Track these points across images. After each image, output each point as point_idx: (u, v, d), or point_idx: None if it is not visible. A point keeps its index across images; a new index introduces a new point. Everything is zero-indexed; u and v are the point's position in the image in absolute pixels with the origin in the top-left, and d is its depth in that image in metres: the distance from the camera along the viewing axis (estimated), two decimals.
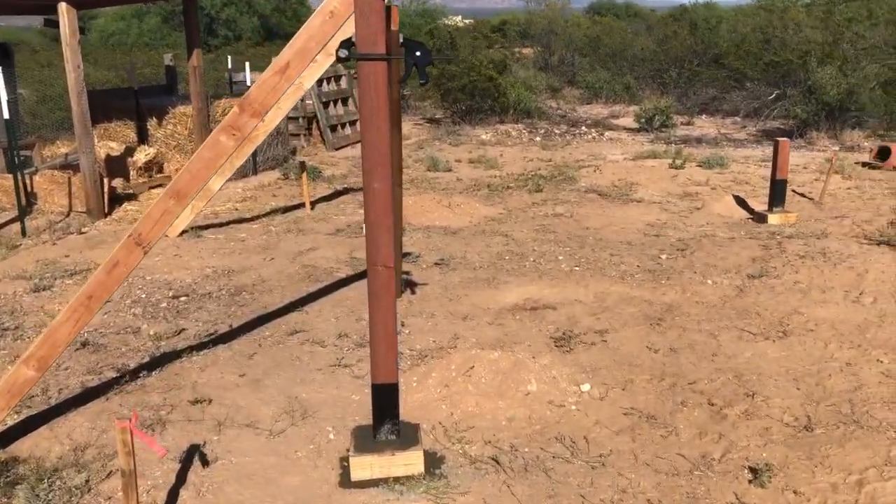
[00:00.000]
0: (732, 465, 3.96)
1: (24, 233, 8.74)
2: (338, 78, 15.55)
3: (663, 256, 7.48)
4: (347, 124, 15.41)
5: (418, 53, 3.76)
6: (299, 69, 3.67)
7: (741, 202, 9.74)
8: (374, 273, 3.72)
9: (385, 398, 3.91)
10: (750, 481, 3.80)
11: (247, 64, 13.05)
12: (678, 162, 12.29)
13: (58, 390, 4.78)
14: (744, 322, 5.81)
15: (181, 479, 3.85)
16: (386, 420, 3.94)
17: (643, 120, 16.99)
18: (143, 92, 12.63)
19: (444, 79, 17.80)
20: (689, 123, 18.05)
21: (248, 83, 12.51)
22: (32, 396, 4.67)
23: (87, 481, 3.78)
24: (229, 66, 13.81)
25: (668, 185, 11.02)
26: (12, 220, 9.07)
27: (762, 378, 4.90)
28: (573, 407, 4.60)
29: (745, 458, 4.01)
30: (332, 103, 15.06)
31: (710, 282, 6.69)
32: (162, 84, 14.40)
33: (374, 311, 3.78)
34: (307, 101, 14.54)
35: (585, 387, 4.81)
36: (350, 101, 15.72)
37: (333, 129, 15.02)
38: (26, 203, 9.89)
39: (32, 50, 29.77)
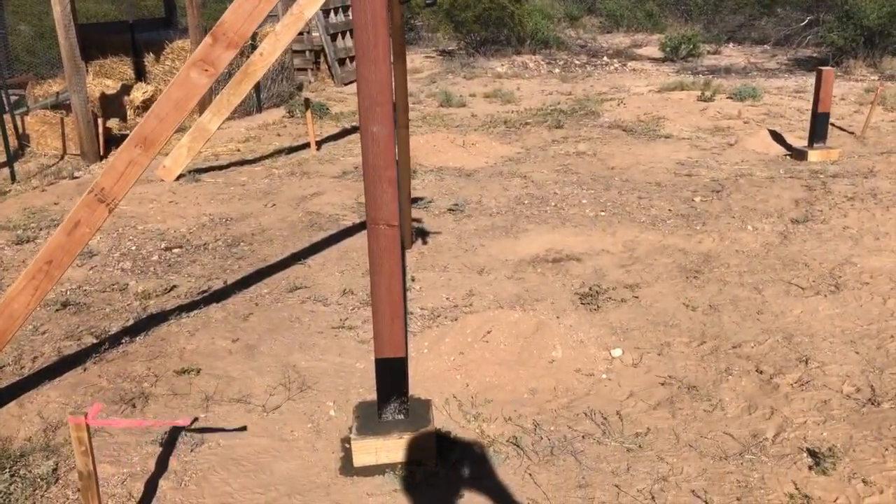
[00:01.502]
0: (789, 446, 3.46)
1: (13, 178, 8.24)
2: (346, 8, 14.74)
3: (697, 199, 6.87)
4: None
5: None
6: None
7: (777, 137, 9.05)
8: (376, 233, 3.18)
9: (390, 374, 3.41)
10: (810, 467, 3.30)
11: None
12: (707, 94, 11.56)
13: (32, 358, 4.32)
14: (790, 274, 5.25)
15: (162, 465, 3.40)
16: (392, 398, 3.45)
17: (668, 49, 16.13)
18: (140, 25, 11.96)
19: (456, 8, 16.91)
20: (716, 52, 17.14)
21: None
22: (3, 366, 4.22)
23: (54, 469, 3.34)
24: None
25: (698, 120, 10.33)
26: (2, 165, 8.56)
27: (815, 340, 4.37)
28: (604, 376, 4.10)
29: (802, 439, 3.50)
30: (339, 35, 14.30)
31: (750, 227, 6.11)
32: (160, 17, 13.67)
33: (376, 277, 3.25)
34: (314, 34, 13.80)
35: (617, 352, 4.30)
36: None
37: (342, 62, 14.30)
38: (18, 146, 9.38)
39: None
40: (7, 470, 3.31)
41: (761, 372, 4.07)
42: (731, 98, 11.47)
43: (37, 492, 3.21)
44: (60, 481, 3.29)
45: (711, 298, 4.93)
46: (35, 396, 3.93)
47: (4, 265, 5.70)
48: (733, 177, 7.54)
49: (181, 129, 8.90)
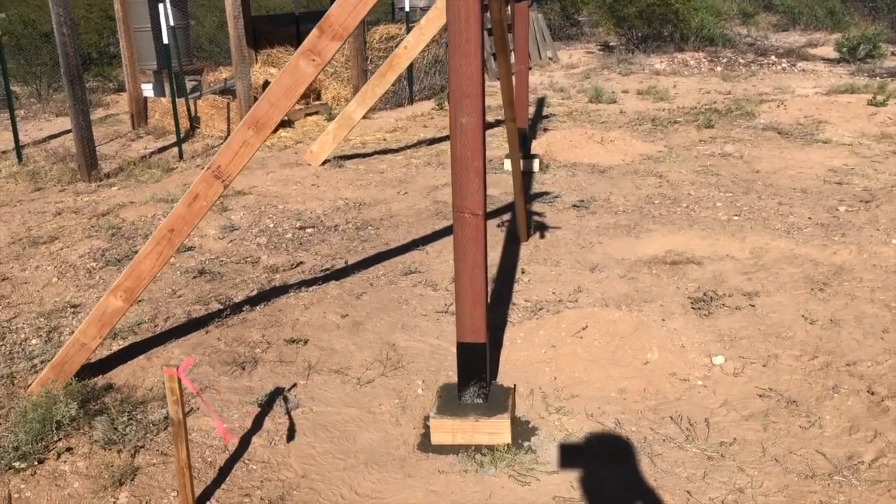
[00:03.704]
0: (886, 473, 3.24)
1: (181, 156, 9.03)
2: (506, 2, 14.86)
3: (841, 208, 6.46)
4: (512, 52, 14.75)
5: None
6: None
7: None
8: (460, 221, 3.29)
9: (471, 358, 3.51)
10: None
11: None
12: (880, 98, 10.71)
13: (165, 318, 4.78)
14: None
15: (258, 424, 3.68)
16: (472, 382, 3.55)
17: (844, 49, 15.05)
18: (305, 17, 12.63)
19: (619, 3, 16.62)
20: None
21: (408, 9, 12.19)
22: (141, 323, 4.70)
23: (166, 417, 3.70)
24: None
25: (864, 125, 9.62)
26: (173, 145, 9.38)
27: None
28: (699, 382, 3.99)
29: None
30: None
31: (894, 241, 5.68)
32: (323, 10, 14.38)
33: (459, 264, 3.36)
34: None
35: (718, 359, 4.16)
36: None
37: (495, 57, 14.44)
38: (190, 127, 10.25)
39: None
40: (127, 413, 3.71)
41: (873, 393, 3.82)
42: None
43: (147, 435, 3.58)
44: (169, 429, 3.64)
45: (834, 313, 4.66)
46: (162, 352, 4.35)
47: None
48: (888, 187, 7.00)
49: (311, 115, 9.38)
